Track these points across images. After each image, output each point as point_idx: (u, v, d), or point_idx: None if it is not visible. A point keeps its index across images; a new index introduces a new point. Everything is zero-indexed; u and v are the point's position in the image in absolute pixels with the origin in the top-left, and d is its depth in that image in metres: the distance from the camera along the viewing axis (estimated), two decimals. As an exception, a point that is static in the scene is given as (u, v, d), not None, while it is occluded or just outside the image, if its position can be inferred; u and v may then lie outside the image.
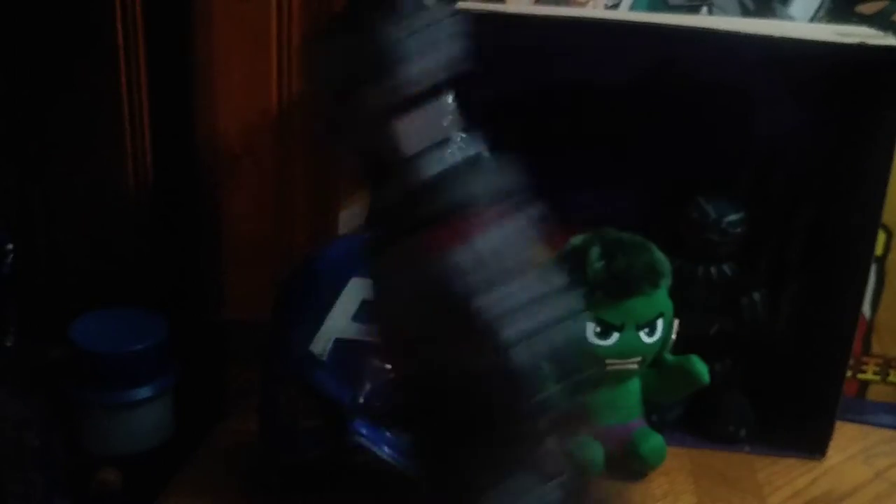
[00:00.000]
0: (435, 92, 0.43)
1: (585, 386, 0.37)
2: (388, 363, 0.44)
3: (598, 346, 0.77)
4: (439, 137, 0.43)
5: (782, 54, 0.78)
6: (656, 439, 0.80)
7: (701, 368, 0.78)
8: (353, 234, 0.90)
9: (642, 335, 0.78)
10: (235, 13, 0.87)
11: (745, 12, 0.86)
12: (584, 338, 0.71)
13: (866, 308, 0.91)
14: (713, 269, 0.85)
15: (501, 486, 0.40)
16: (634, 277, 0.76)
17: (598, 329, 0.77)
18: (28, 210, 0.90)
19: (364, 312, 0.66)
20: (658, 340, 0.79)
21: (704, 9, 0.87)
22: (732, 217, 0.83)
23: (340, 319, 0.66)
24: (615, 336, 0.77)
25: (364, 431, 0.64)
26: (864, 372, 0.94)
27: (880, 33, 0.80)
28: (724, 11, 0.86)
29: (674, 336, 0.81)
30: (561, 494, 0.41)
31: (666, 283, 0.78)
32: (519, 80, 0.87)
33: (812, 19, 0.86)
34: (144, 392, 0.80)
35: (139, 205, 0.90)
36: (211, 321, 0.96)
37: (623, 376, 0.80)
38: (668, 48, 0.83)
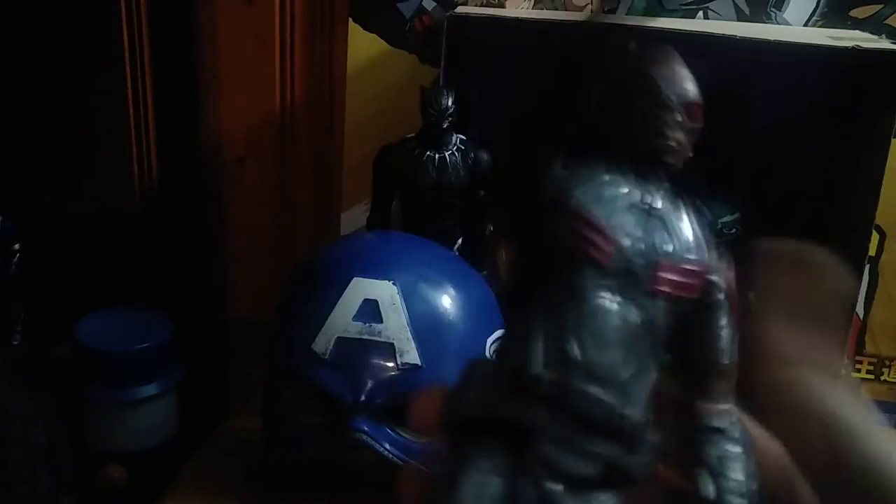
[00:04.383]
0: None
1: None
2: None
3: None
4: None
5: (777, 58, 0.78)
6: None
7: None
8: (355, 234, 0.91)
9: (639, 334, 0.78)
10: (239, 17, 0.88)
11: (741, 16, 0.87)
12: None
13: (860, 308, 0.91)
14: (709, 270, 0.85)
15: None
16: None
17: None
18: (34, 210, 0.91)
19: (364, 312, 0.66)
20: (655, 339, 0.79)
21: (701, 13, 0.88)
22: (727, 218, 0.83)
23: (342, 318, 0.66)
24: (613, 335, 0.78)
25: (366, 429, 0.64)
26: (857, 371, 0.94)
27: (874, 37, 0.81)
28: (721, 15, 0.87)
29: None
30: None
31: (663, 283, 0.79)
32: (518, 83, 0.88)
33: (807, 23, 0.86)
34: (149, 390, 0.81)
35: (144, 205, 0.91)
36: (215, 320, 0.97)
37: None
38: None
